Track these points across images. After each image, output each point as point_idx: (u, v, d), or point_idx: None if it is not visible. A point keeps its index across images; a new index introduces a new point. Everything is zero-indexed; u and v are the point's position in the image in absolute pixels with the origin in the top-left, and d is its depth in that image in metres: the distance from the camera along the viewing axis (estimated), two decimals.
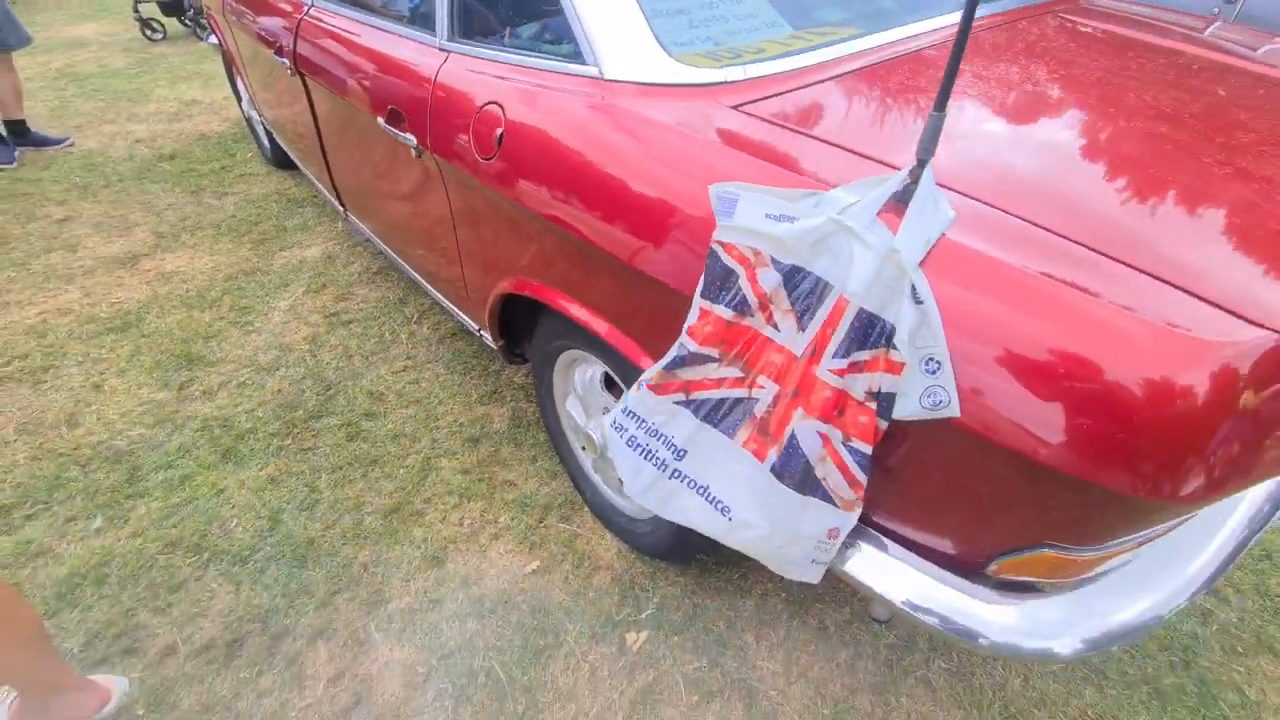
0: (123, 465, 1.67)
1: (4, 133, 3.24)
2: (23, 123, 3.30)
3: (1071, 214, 0.75)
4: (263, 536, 1.51)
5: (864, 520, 0.86)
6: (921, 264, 0.70)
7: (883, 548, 0.86)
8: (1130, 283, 0.67)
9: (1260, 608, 1.38)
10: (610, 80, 1.03)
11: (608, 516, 1.50)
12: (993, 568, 0.80)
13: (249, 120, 3.28)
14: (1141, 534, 0.76)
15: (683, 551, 1.35)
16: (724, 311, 0.80)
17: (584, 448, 1.44)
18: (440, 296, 1.76)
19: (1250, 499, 0.93)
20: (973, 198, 0.76)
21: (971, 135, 0.90)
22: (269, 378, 1.95)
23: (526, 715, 1.21)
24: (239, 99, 3.31)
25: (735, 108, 0.95)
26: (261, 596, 1.39)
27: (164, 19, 5.47)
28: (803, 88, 1.01)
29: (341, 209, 2.19)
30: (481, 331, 1.60)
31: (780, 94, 0.99)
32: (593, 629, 1.34)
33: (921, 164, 0.72)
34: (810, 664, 1.29)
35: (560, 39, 1.13)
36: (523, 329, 1.54)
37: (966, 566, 0.82)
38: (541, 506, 1.58)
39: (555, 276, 1.18)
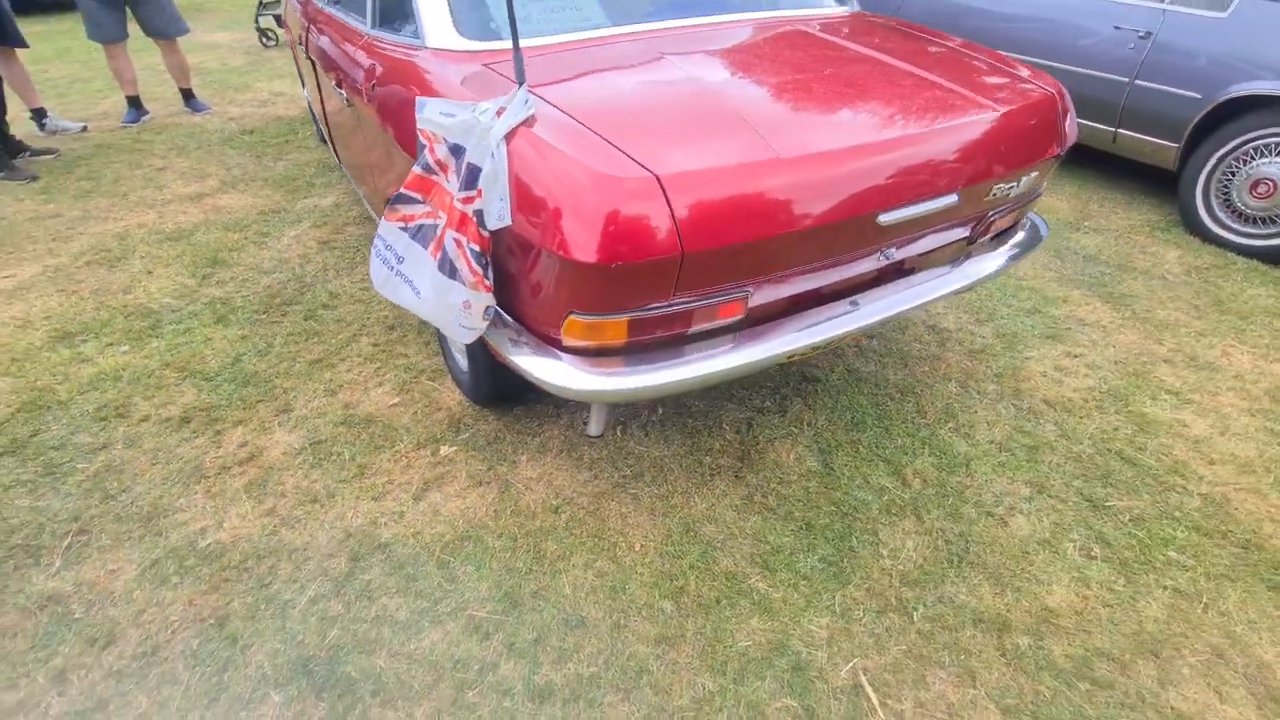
0: (150, 318, 2.38)
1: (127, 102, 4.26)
2: (190, 91, 4.51)
3: (609, 121, 1.25)
4: (226, 367, 2.15)
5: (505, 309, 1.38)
6: (506, 138, 1.22)
7: (522, 347, 1.36)
8: (603, 151, 1.16)
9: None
10: (428, 48, 1.61)
11: (456, 378, 2.04)
12: (558, 337, 1.29)
13: (309, 105, 4.11)
14: (635, 312, 1.23)
15: (499, 397, 1.89)
16: (421, 170, 1.35)
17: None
18: (373, 213, 2.39)
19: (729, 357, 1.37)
20: (559, 108, 1.28)
21: (605, 81, 1.42)
22: (265, 278, 2.64)
23: (355, 477, 1.76)
24: (304, 89, 4.15)
25: (484, 65, 1.50)
26: (212, 398, 2.02)
27: (278, 29, 6.61)
28: (529, 55, 1.56)
29: (338, 161, 2.89)
30: None
31: (542, 51, 1.56)
32: (419, 440, 1.88)
33: (519, 84, 1.24)
34: (557, 476, 1.77)
35: (412, 24, 1.73)
36: None
37: (553, 341, 1.32)
38: (418, 370, 2.15)
39: (396, 174, 1.76)
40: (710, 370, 1.35)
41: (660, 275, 1.17)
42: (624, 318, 1.24)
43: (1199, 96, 2.96)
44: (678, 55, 1.56)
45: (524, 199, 1.19)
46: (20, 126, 3.92)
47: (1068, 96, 1.65)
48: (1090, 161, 3.86)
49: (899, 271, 1.60)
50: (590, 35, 1.67)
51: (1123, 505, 1.73)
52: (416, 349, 2.24)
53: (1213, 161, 2.97)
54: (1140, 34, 3.13)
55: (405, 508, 1.69)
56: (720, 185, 1.16)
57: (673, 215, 1.12)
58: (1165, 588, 1.52)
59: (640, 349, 1.32)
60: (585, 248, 1.11)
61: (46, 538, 1.60)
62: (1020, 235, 1.85)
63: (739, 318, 1.36)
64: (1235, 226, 2.98)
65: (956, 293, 1.68)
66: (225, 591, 1.48)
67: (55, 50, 6.11)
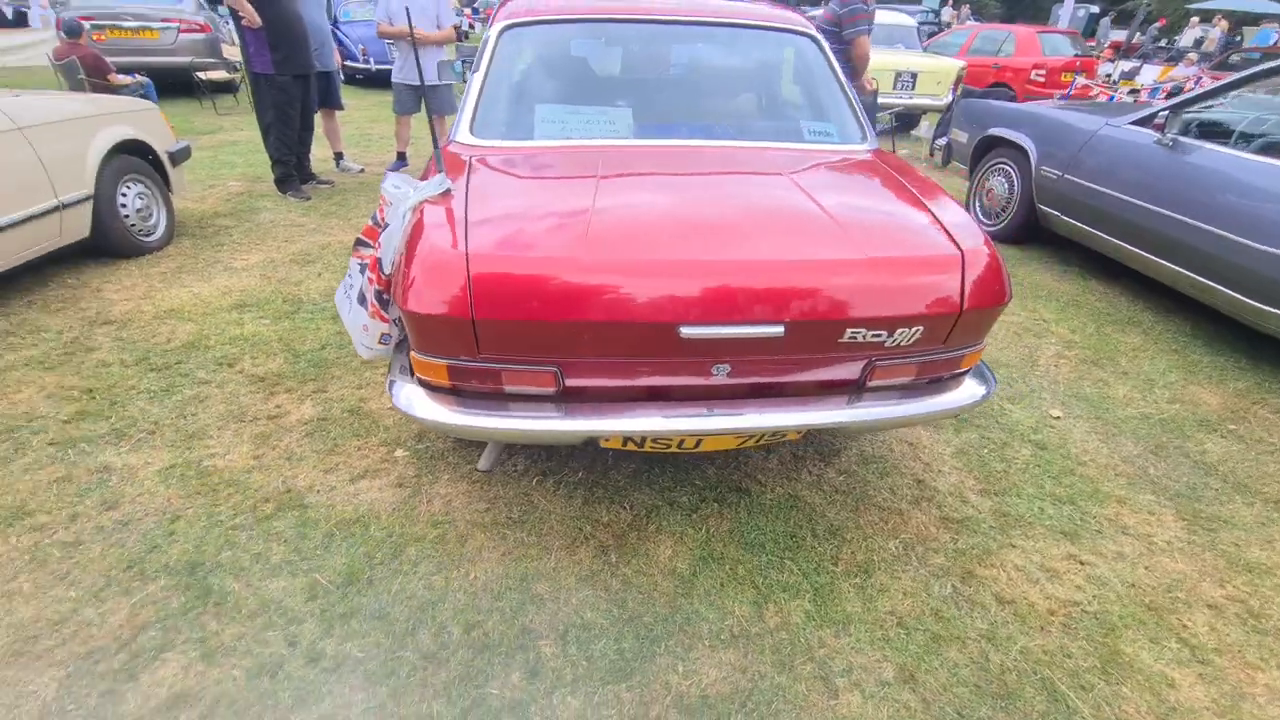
0: (296, 305, 3.17)
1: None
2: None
3: (486, 211, 1.53)
4: (312, 351, 2.79)
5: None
6: (413, 208, 1.56)
7: (400, 373, 1.66)
8: (451, 230, 1.45)
9: None
10: (457, 141, 2.06)
11: None
12: (412, 369, 1.56)
13: None
14: (452, 360, 1.46)
15: None
16: (372, 223, 1.75)
17: None
18: None
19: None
20: (467, 195, 1.60)
21: (527, 184, 1.72)
22: None
23: (326, 452, 2.19)
24: None
25: (472, 156, 1.90)
26: (286, 369, 2.65)
27: None
28: (508, 153, 1.92)
29: None
30: None
31: (497, 155, 1.92)
32: (386, 439, 2.27)
33: (441, 175, 1.59)
34: (458, 499, 2.01)
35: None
36: None
37: (412, 373, 1.60)
38: None
39: None
40: (528, 428, 1.52)
41: (460, 332, 1.39)
42: (443, 362, 1.48)
43: None
44: (610, 173, 1.80)
45: (404, 256, 1.52)
46: (319, 164, 5.42)
47: (987, 258, 1.53)
48: None
49: (773, 390, 1.59)
50: (570, 144, 2.00)
51: None
52: None
53: None
54: None
55: (339, 485, 2.06)
56: (516, 270, 1.37)
57: (469, 285, 1.35)
58: None
59: (470, 395, 1.54)
60: (404, 296, 1.40)
61: (133, 430, 2.27)
62: (951, 391, 1.68)
63: (553, 390, 1.50)
64: None
65: (838, 429, 1.60)
66: (191, 502, 1.97)
67: (374, 116, 8.23)
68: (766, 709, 1.46)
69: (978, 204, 4.78)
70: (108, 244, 3.53)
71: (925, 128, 7.48)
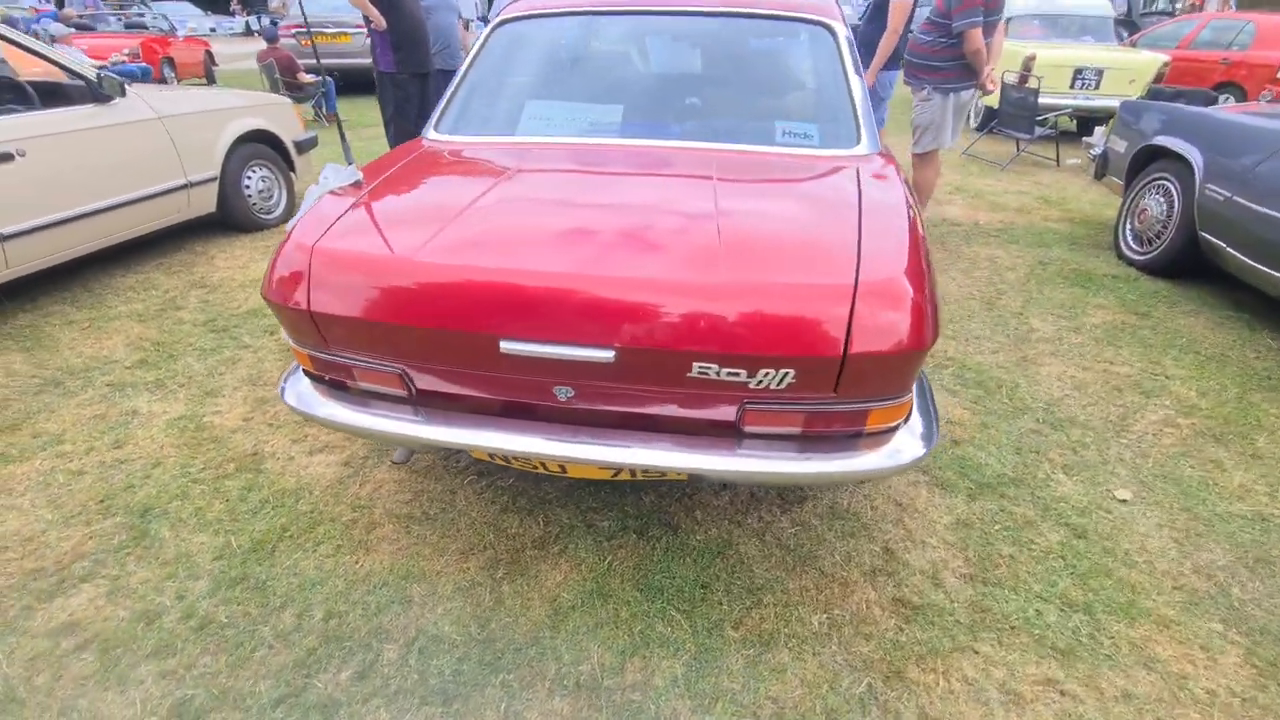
0: None
1: None
2: None
3: (372, 202, 1.52)
4: None
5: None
6: (316, 199, 1.60)
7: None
8: (323, 220, 1.45)
9: None
10: (426, 136, 2.08)
11: None
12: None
13: None
14: (310, 350, 1.46)
15: None
16: None
17: None
18: None
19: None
20: (369, 187, 1.60)
21: (435, 178, 1.70)
22: None
23: (301, 423, 2.34)
24: None
25: (425, 153, 1.91)
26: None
27: None
28: (467, 147, 1.89)
29: None
30: None
31: (445, 149, 1.91)
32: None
33: (349, 164, 1.61)
34: (388, 485, 2.04)
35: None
36: None
37: None
38: None
39: None
40: (383, 429, 1.49)
41: (304, 324, 1.39)
42: (305, 351, 1.49)
43: None
44: (525, 170, 1.72)
45: None
46: None
47: (894, 293, 1.21)
48: None
49: (641, 423, 1.40)
50: (523, 141, 1.93)
51: None
52: None
53: None
54: None
55: (298, 456, 2.19)
56: (350, 266, 1.33)
57: (309, 278, 1.34)
58: None
59: (334, 386, 1.54)
60: (263, 283, 1.43)
61: (171, 382, 2.59)
62: (867, 452, 1.36)
63: (404, 392, 1.45)
64: None
65: (716, 477, 1.38)
66: (177, 452, 2.20)
67: None
68: None
69: (1128, 227, 3.95)
70: (232, 219, 4.09)
71: (1099, 134, 6.32)
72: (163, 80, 10.77)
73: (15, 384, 2.55)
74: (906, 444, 1.39)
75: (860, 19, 4.93)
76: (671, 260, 1.27)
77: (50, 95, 3.35)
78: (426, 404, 1.48)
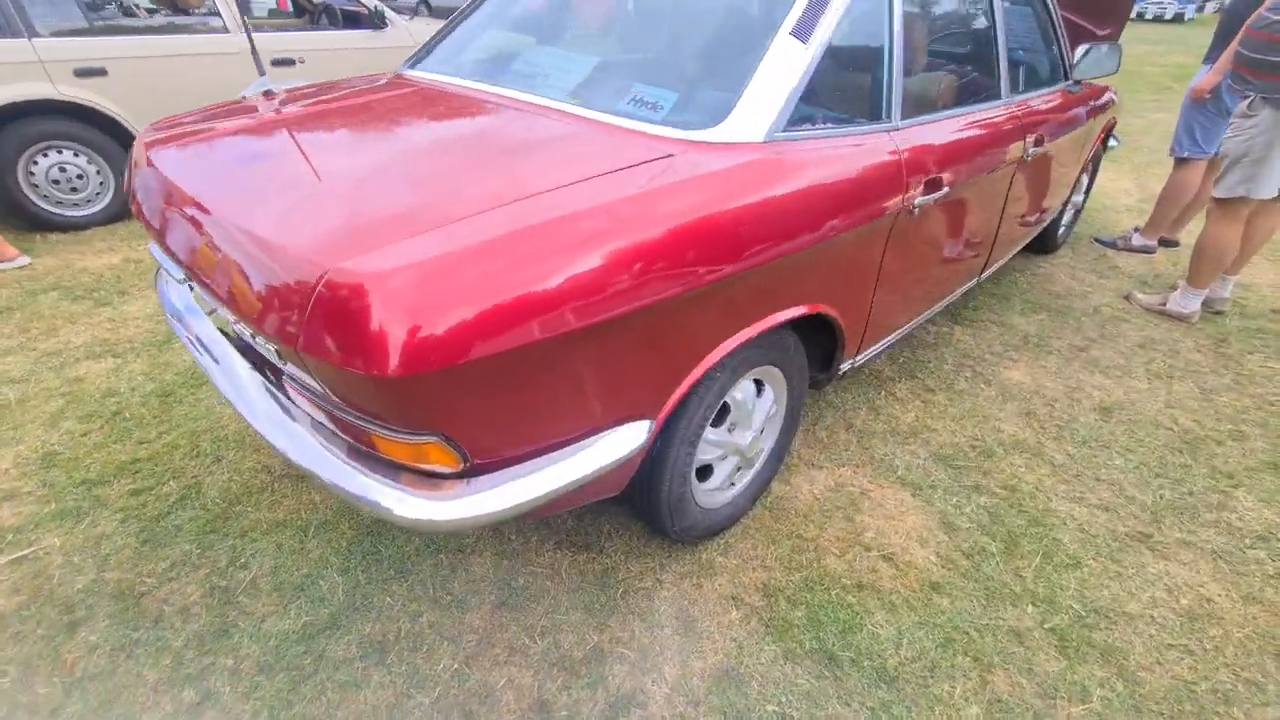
0: None
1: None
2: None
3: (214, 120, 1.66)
4: None
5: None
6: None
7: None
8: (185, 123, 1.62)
9: None
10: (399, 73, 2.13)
11: None
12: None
13: None
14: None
15: None
16: None
17: None
18: None
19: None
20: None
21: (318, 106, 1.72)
22: None
23: None
24: None
25: (401, 78, 2.03)
26: None
27: None
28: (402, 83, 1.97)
29: None
30: None
31: (408, 84, 1.94)
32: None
33: (264, 78, 1.79)
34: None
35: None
36: None
37: None
38: None
39: None
40: None
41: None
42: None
43: None
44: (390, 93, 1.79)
45: None
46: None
47: (360, 296, 0.94)
48: None
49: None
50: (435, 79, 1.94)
51: None
52: None
53: None
54: None
55: None
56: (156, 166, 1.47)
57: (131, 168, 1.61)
58: None
59: None
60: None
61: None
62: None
63: None
64: None
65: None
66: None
67: None
68: None
69: None
70: None
71: None
72: None
73: None
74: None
75: None
76: (280, 200, 1.19)
77: (339, 19, 4.14)
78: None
